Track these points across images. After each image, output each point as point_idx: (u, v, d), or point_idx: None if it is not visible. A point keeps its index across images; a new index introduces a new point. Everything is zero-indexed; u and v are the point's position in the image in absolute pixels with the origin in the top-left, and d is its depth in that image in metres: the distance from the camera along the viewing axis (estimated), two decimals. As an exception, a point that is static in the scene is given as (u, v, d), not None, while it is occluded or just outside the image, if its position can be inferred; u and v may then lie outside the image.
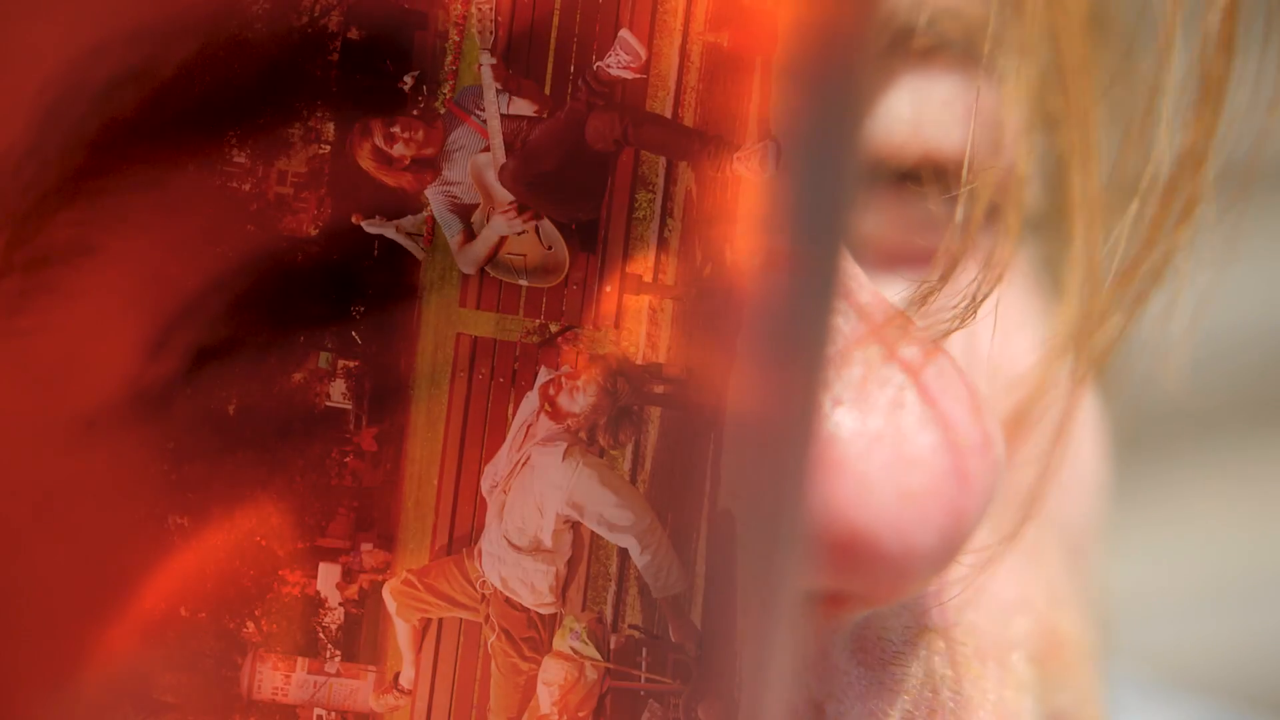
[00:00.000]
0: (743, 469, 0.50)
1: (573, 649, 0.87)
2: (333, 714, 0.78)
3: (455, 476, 0.91)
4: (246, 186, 0.55)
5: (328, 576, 0.82)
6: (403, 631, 0.93)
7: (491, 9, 0.84)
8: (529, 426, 1.03)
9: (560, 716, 0.83)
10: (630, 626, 0.88)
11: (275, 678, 0.76)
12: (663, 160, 0.92)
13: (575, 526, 1.02)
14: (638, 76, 0.85)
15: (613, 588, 0.95)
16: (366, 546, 0.86)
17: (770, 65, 0.63)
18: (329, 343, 0.67)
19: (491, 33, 0.87)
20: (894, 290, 0.34)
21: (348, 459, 0.74)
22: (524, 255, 0.96)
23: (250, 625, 0.67)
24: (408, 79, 0.86)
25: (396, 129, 0.92)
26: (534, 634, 0.95)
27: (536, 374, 1.00)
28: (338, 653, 0.79)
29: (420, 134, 0.92)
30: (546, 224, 0.98)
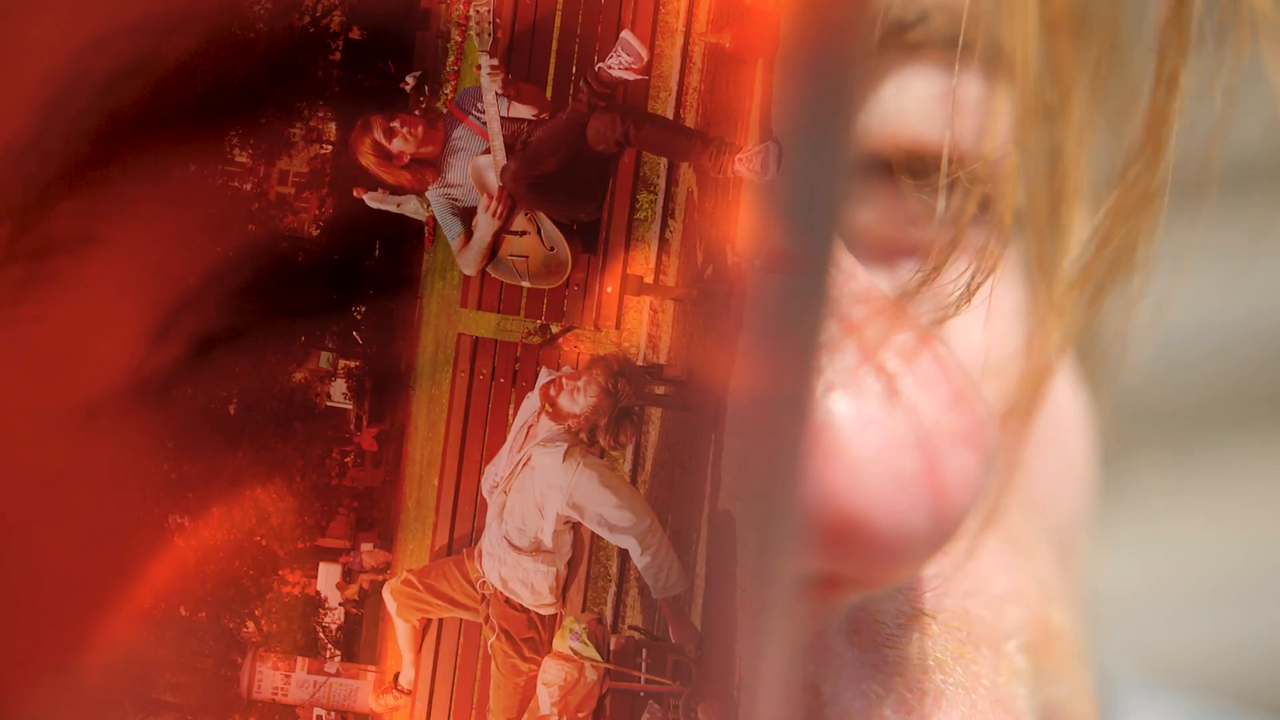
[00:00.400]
0: (741, 457, 0.50)
1: (572, 650, 0.87)
2: (332, 714, 0.78)
3: (455, 476, 0.91)
4: (248, 186, 0.55)
5: (328, 576, 0.82)
6: (403, 632, 0.93)
7: (489, 11, 0.84)
8: (530, 427, 1.03)
9: (560, 717, 0.83)
10: (630, 627, 0.88)
11: (275, 677, 0.76)
12: (664, 161, 0.92)
13: (575, 527, 1.02)
14: (639, 77, 0.85)
15: (613, 589, 0.95)
16: (366, 546, 0.86)
17: (772, 66, 0.63)
18: (330, 342, 0.67)
19: (490, 35, 0.87)
20: (887, 281, 0.34)
21: (348, 459, 0.74)
22: (526, 257, 0.96)
23: (250, 625, 0.68)
24: (409, 79, 0.86)
25: (396, 124, 0.92)
26: (534, 635, 0.95)
27: (537, 374, 1.00)
28: (337, 653, 0.80)
29: (420, 130, 0.92)
30: (548, 225, 0.97)
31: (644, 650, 0.80)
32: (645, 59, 0.89)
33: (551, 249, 1.01)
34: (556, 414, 1.20)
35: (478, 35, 0.94)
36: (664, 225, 0.87)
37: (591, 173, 0.99)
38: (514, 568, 1.17)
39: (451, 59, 0.81)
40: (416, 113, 0.90)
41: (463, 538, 1.00)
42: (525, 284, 1.02)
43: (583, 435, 1.16)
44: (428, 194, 1.15)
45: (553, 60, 0.91)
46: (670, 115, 0.89)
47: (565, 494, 1.12)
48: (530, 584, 1.15)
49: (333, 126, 0.66)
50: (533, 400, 1.17)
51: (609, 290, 0.89)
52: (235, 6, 0.38)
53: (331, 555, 0.75)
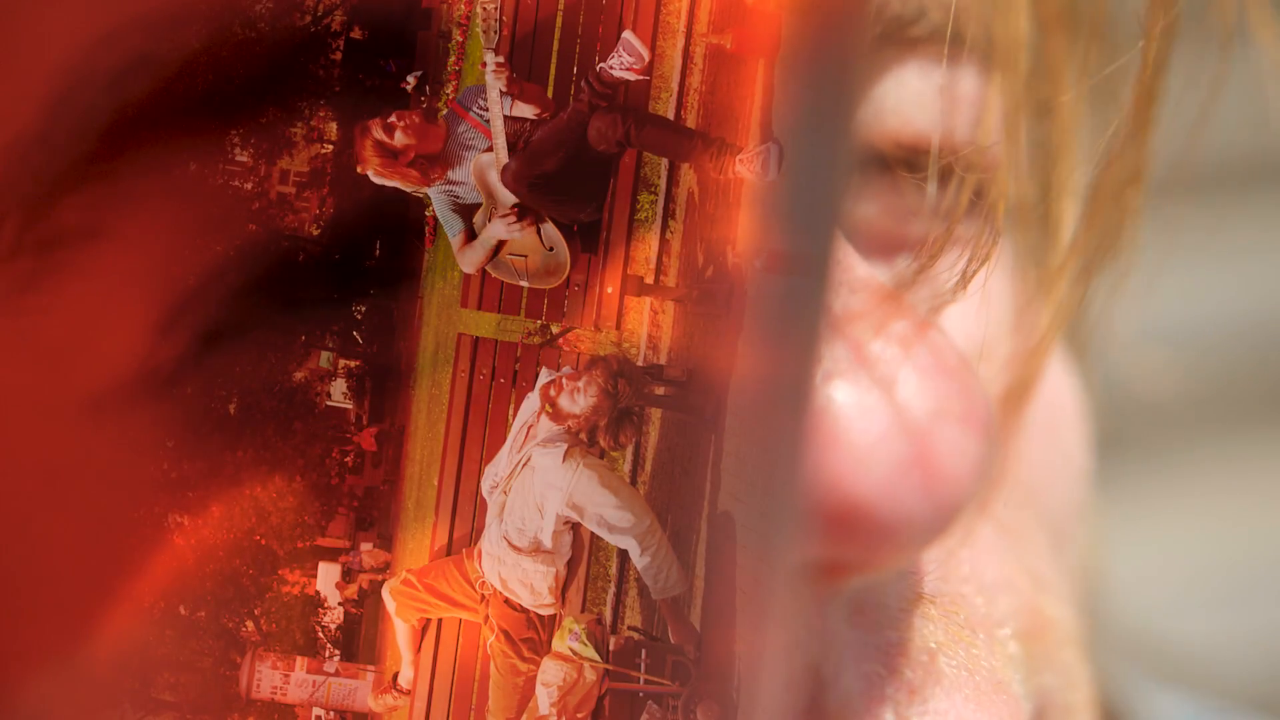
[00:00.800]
0: (742, 453, 0.50)
1: (572, 650, 0.87)
2: (331, 713, 0.78)
3: (455, 476, 0.91)
4: (249, 185, 0.55)
5: (327, 576, 0.82)
6: (402, 631, 0.93)
7: (496, 8, 0.84)
8: (530, 428, 1.03)
9: (559, 717, 0.83)
10: (629, 628, 0.88)
11: (274, 677, 0.76)
12: (665, 162, 0.92)
13: (575, 528, 1.02)
14: (641, 78, 0.85)
15: (612, 589, 0.95)
16: (366, 546, 0.86)
17: (773, 67, 0.63)
18: (330, 342, 0.67)
19: (496, 32, 0.87)
20: (885, 272, 0.35)
21: (348, 459, 0.74)
22: (526, 257, 0.96)
23: (249, 624, 0.68)
24: (410, 79, 0.86)
25: (393, 119, 0.92)
26: (533, 635, 0.95)
27: (537, 375, 1.00)
28: (337, 652, 0.80)
29: (418, 120, 0.92)
30: (549, 225, 0.97)
31: (643, 651, 0.80)
32: (647, 59, 0.89)
33: (551, 249, 1.01)
34: (556, 414, 1.20)
35: (484, 32, 0.94)
36: (665, 226, 0.87)
37: (592, 173, 0.99)
38: (513, 568, 1.17)
39: (453, 58, 0.81)
40: (418, 110, 0.90)
41: (462, 538, 1.01)
42: (525, 284, 1.02)
43: (583, 436, 1.16)
44: (429, 191, 1.15)
45: (554, 60, 0.91)
46: (671, 116, 0.89)
47: (565, 494, 1.12)
48: (530, 584, 1.15)
49: (334, 126, 0.66)
50: (533, 401, 1.17)
51: (609, 291, 0.89)
52: (237, 6, 0.38)
53: (331, 555, 0.75)
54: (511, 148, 0.85)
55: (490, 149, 0.92)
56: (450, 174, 0.96)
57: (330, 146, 0.60)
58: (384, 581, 0.74)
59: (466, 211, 1.03)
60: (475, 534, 0.80)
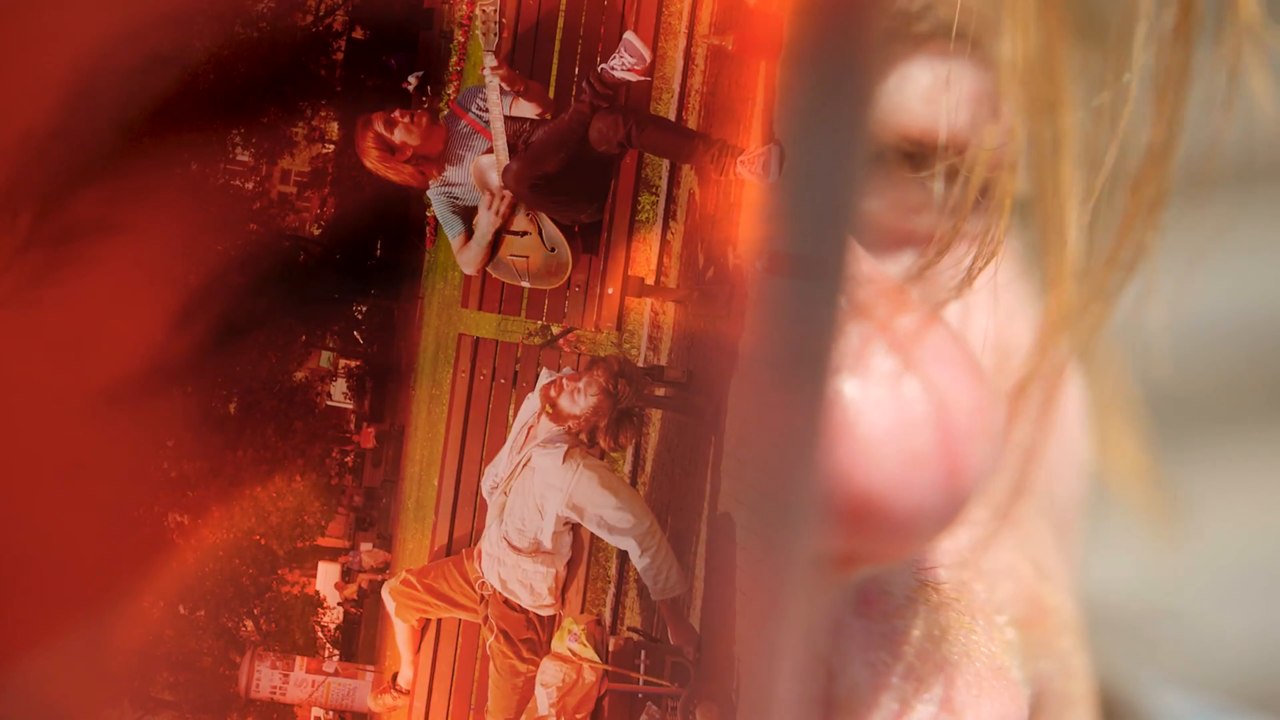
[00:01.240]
0: (744, 447, 0.50)
1: (571, 651, 0.87)
2: (330, 713, 0.78)
3: (455, 476, 0.91)
4: (250, 185, 0.55)
5: (327, 576, 0.82)
6: (401, 632, 0.93)
7: (495, 10, 0.84)
8: (530, 428, 1.03)
9: (558, 718, 0.83)
10: (629, 629, 0.88)
11: (273, 676, 0.76)
12: (666, 163, 0.92)
13: (575, 529, 1.02)
14: (642, 79, 0.85)
15: (612, 590, 0.95)
16: (366, 546, 0.86)
17: (775, 69, 0.63)
18: (331, 342, 0.67)
19: (495, 34, 0.87)
20: (893, 267, 0.35)
21: (348, 458, 0.74)
22: (527, 257, 0.97)
23: (249, 624, 0.67)
24: (412, 79, 0.86)
25: (396, 115, 0.92)
26: (532, 635, 0.95)
27: (537, 375, 1.00)
28: (336, 652, 0.79)
29: (423, 122, 0.92)
30: (549, 226, 0.98)
31: (642, 652, 0.80)
32: (648, 60, 0.89)
33: (552, 250, 1.01)
34: (557, 415, 1.20)
35: (483, 35, 0.94)
36: (666, 227, 0.87)
37: (593, 174, 0.99)
38: (513, 568, 1.17)
39: (454, 59, 0.81)
40: (421, 110, 0.90)
41: (462, 538, 1.01)
42: (526, 284, 1.02)
43: (583, 437, 1.16)
44: (429, 192, 1.15)
45: (555, 61, 0.91)
46: (673, 117, 0.89)
47: (565, 495, 1.12)
48: (529, 585, 1.15)
49: (335, 126, 0.66)
50: (533, 401, 1.17)
51: (610, 292, 0.90)
52: (240, 5, 0.38)
53: (331, 555, 0.75)
54: (512, 148, 0.85)
55: (489, 150, 0.92)
56: (448, 174, 0.96)
57: (331, 146, 0.60)
58: (383, 581, 0.74)
59: (467, 213, 1.03)
60: (475, 534, 0.80)
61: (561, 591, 1.17)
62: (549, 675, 1.03)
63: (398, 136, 1.15)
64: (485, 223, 1.15)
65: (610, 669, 0.88)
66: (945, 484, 0.32)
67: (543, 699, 0.99)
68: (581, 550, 1.13)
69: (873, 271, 0.32)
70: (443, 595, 1.21)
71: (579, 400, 1.15)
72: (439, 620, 1.04)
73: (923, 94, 0.34)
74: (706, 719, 0.78)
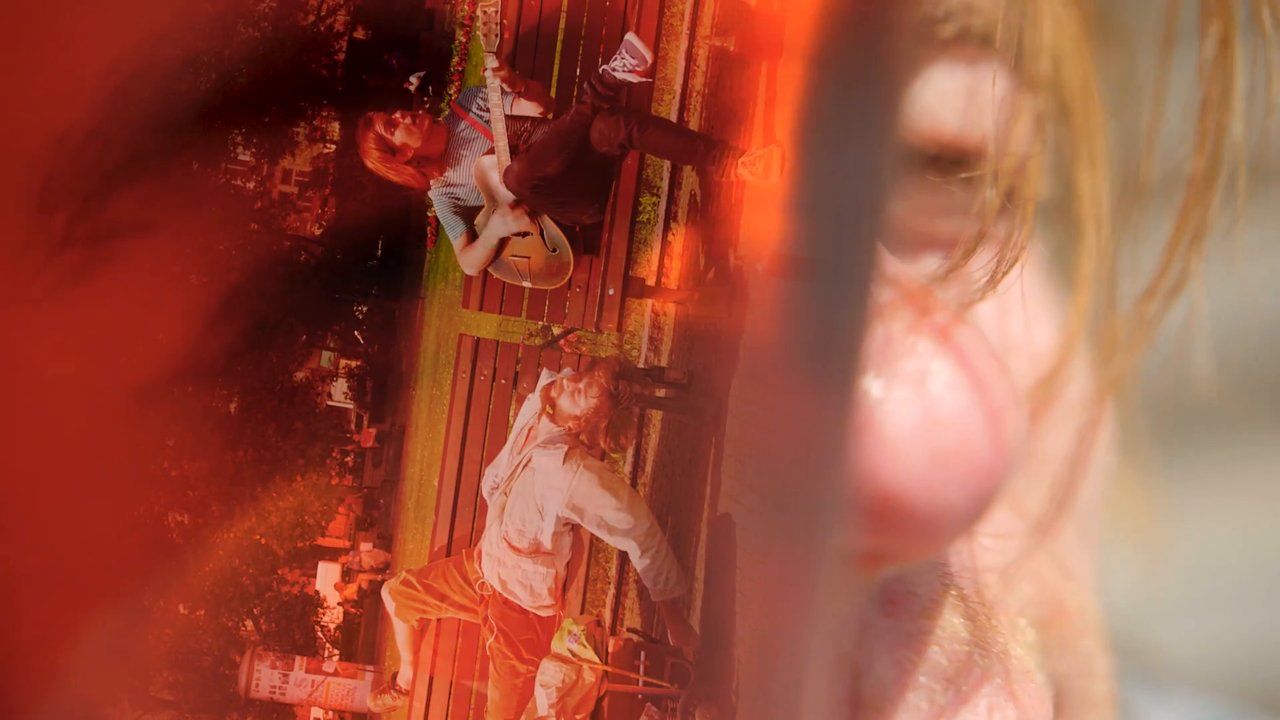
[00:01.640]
0: (744, 449, 0.50)
1: (571, 651, 0.87)
2: (330, 713, 0.78)
3: (455, 477, 0.91)
4: (251, 185, 0.55)
5: (327, 576, 0.82)
6: (401, 632, 0.93)
7: (497, 11, 0.84)
8: (530, 429, 1.03)
9: (557, 718, 0.83)
10: (629, 630, 0.88)
11: (273, 676, 0.76)
12: (667, 164, 0.92)
13: (575, 529, 1.02)
14: (644, 80, 0.85)
15: (612, 591, 0.95)
16: (366, 546, 0.86)
17: (776, 70, 0.63)
18: (331, 342, 0.67)
19: (497, 35, 0.87)
20: (914, 269, 0.35)
21: (348, 458, 0.74)
22: (528, 258, 0.97)
23: (249, 623, 0.68)
24: (413, 79, 0.86)
25: (397, 116, 0.92)
26: (532, 636, 0.95)
27: (538, 376, 1.00)
28: (336, 652, 0.79)
29: (424, 123, 0.92)
30: (551, 227, 0.98)
31: (642, 653, 0.81)
32: (649, 62, 0.89)
33: (554, 250, 1.01)
34: (557, 416, 1.19)
35: (484, 36, 0.94)
36: (667, 228, 0.87)
37: (594, 175, 0.99)
38: (513, 569, 1.16)
39: (455, 59, 0.81)
40: (422, 110, 0.90)
41: (462, 538, 1.01)
42: (527, 285, 1.02)
43: (583, 437, 1.16)
44: (430, 193, 1.15)
45: (557, 62, 0.91)
46: (674, 118, 0.89)
47: (565, 496, 1.12)
48: (529, 585, 1.15)
49: (336, 126, 0.66)
50: (534, 402, 1.17)
51: (611, 292, 0.90)
52: (241, 5, 0.38)
53: (331, 555, 0.75)
54: (513, 148, 0.85)
55: (490, 150, 0.92)
56: (449, 175, 0.97)
57: (333, 146, 0.60)
58: (383, 582, 0.74)
59: (468, 214, 1.03)
60: (475, 534, 0.80)
61: (561, 592, 1.17)
62: (549, 676, 1.03)
63: (398, 138, 1.15)
64: (497, 225, 1.14)
65: (610, 670, 0.88)
66: (970, 482, 0.32)
67: (542, 699, 0.99)
68: (581, 551, 1.13)
69: (897, 273, 0.33)
70: (442, 595, 1.21)
71: (580, 401, 1.15)
72: (438, 621, 1.04)
73: (946, 98, 0.35)
74: (706, 720, 0.78)
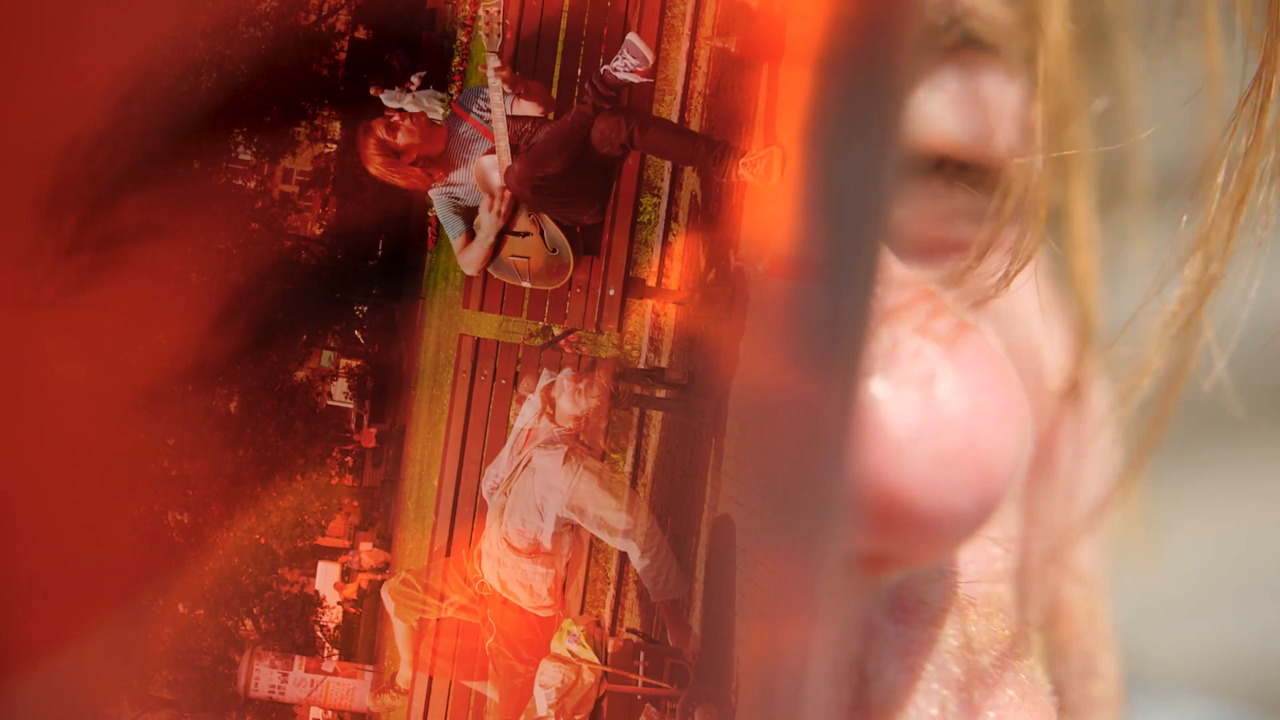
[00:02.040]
0: (745, 449, 0.50)
1: (570, 652, 0.87)
2: (329, 713, 0.78)
3: (455, 477, 0.91)
4: (252, 184, 0.55)
5: (326, 576, 0.82)
6: (401, 632, 0.93)
7: (499, 11, 0.84)
8: (530, 429, 1.02)
9: (557, 719, 0.83)
10: (628, 630, 0.88)
11: (272, 675, 0.76)
12: (668, 165, 0.92)
13: (575, 530, 1.02)
14: (645, 80, 0.85)
15: (611, 591, 0.95)
16: (366, 546, 0.86)
17: (777, 71, 0.63)
18: (332, 341, 0.67)
19: (499, 35, 0.87)
20: (920, 273, 0.36)
21: (348, 458, 0.74)
22: (528, 258, 0.96)
23: (248, 623, 0.68)
24: (415, 79, 0.86)
25: (396, 119, 0.92)
26: (532, 636, 0.94)
27: (538, 376, 1.00)
28: (335, 652, 0.80)
29: (423, 121, 0.92)
30: (551, 226, 0.97)
31: (642, 653, 0.80)
32: (651, 62, 0.89)
33: (554, 250, 1.01)
34: (557, 416, 1.20)
35: (486, 36, 0.94)
36: (667, 228, 0.87)
37: (595, 175, 0.99)
38: (513, 569, 1.17)
39: (457, 59, 0.81)
40: (421, 111, 0.90)
41: (462, 538, 1.01)
42: (527, 285, 1.02)
43: (583, 438, 1.16)
44: (431, 193, 1.15)
45: (558, 62, 0.91)
46: (675, 119, 0.89)
47: (565, 496, 1.12)
48: (529, 586, 1.15)
49: (337, 125, 0.66)
50: (534, 402, 1.17)
51: (611, 293, 0.89)
52: (243, 4, 0.38)
53: (331, 554, 0.75)
54: (514, 148, 0.85)
55: (491, 150, 0.92)
56: (450, 175, 0.96)
57: (334, 146, 0.60)
58: (383, 581, 0.74)
59: (468, 213, 1.03)
60: (475, 535, 0.80)
61: (561, 592, 1.17)
62: (548, 676, 1.04)
63: (401, 140, 1.15)
64: (487, 224, 1.15)
65: (609, 670, 0.88)
66: (975, 485, 0.33)
67: (542, 700, 0.99)
68: (581, 551, 1.13)
69: (903, 276, 0.33)
70: (442, 595, 1.22)
71: (580, 401, 1.16)
72: (438, 620, 1.04)
73: (950, 105, 0.35)
74: (705, 721, 0.79)
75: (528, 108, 1.17)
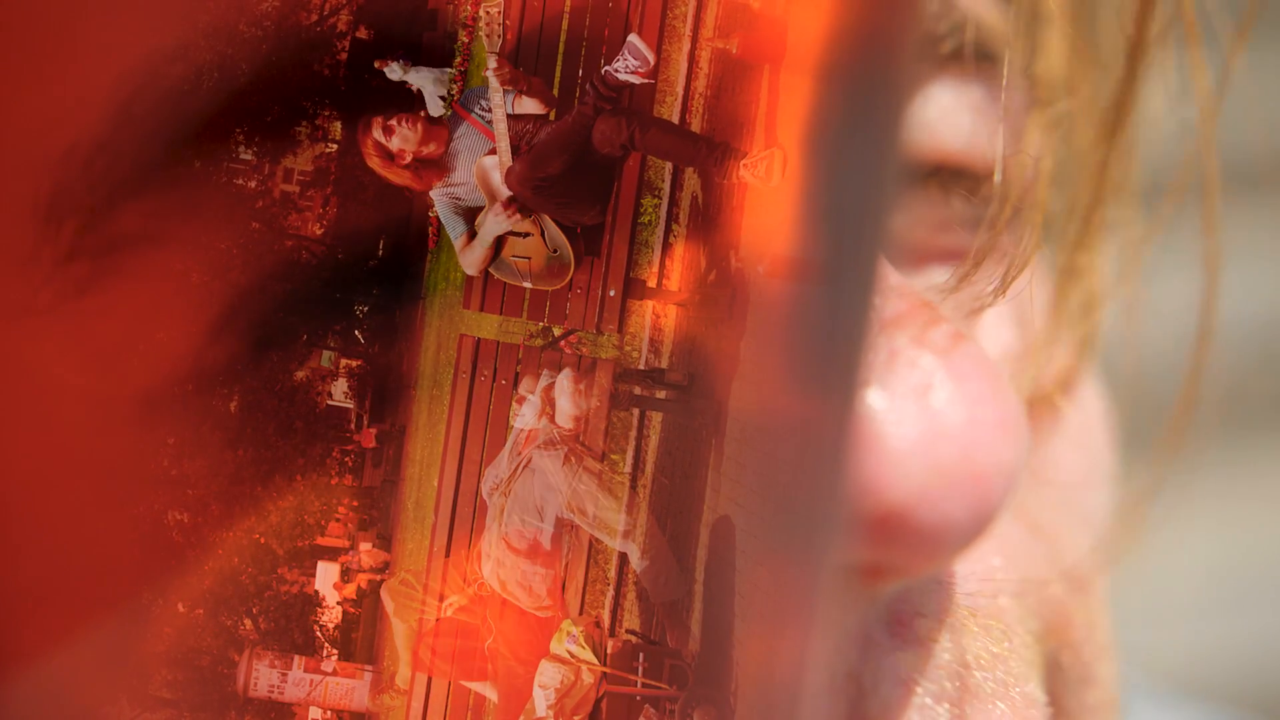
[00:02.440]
0: (745, 451, 0.50)
1: (569, 652, 0.87)
2: (329, 713, 0.78)
3: (455, 477, 0.91)
4: (252, 184, 0.55)
5: (326, 575, 0.82)
6: (400, 632, 0.93)
7: (499, 12, 0.84)
8: (530, 430, 1.02)
9: (556, 719, 0.83)
10: (627, 631, 0.88)
11: (272, 675, 0.76)
12: (669, 166, 0.92)
13: (574, 530, 1.02)
14: (646, 81, 0.85)
15: (611, 592, 0.95)
16: (365, 546, 0.86)
17: (779, 73, 0.63)
18: (332, 341, 0.67)
19: (500, 36, 0.87)
20: (915, 281, 0.35)
21: (348, 458, 0.74)
22: (529, 258, 0.96)
23: (248, 623, 0.68)
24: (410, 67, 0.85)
25: (393, 122, 0.92)
26: (531, 637, 0.94)
27: (539, 377, 1.00)
28: (335, 652, 0.80)
29: (419, 128, 0.92)
30: (552, 227, 0.97)
31: (641, 654, 0.80)
32: (652, 63, 0.89)
33: (555, 251, 1.01)
34: (557, 417, 1.20)
35: (487, 36, 0.94)
36: (668, 229, 0.87)
37: (596, 176, 0.99)
38: (512, 570, 1.17)
39: (458, 59, 0.81)
40: (422, 113, 0.90)
41: (462, 538, 1.01)
42: (527, 285, 1.02)
43: (583, 438, 1.16)
44: (431, 193, 1.15)
45: (559, 63, 0.91)
46: (676, 120, 0.89)
47: (565, 497, 1.12)
48: (528, 586, 1.15)
49: (338, 125, 0.66)
50: (534, 403, 1.17)
51: (611, 293, 0.90)
52: (243, 4, 0.38)
53: (330, 554, 0.75)
54: (515, 148, 0.85)
55: (492, 151, 0.92)
56: (450, 176, 0.97)
57: (335, 146, 0.60)
58: (383, 581, 0.74)
59: (469, 214, 1.03)
60: (475, 535, 0.80)
61: (560, 593, 1.17)
62: (547, 677, 1.04)
63: (395, 144, 1.15)
64: (491, 224, 1.15)
65: (608, 671, 0.88)
66: (972, 496, 0.32)
67: (541, 700, 0.99)
68: (580, 552, 1.13)
69: (900, 284, 0.33)
70: (442, 595, 1.22)
71: (580, 402, 1.16)
72: (438, 620, 1.04)
73: (949, 114, 0.35)
74: (704, 722, 0.79)
75: (530, 105, 1.17)
